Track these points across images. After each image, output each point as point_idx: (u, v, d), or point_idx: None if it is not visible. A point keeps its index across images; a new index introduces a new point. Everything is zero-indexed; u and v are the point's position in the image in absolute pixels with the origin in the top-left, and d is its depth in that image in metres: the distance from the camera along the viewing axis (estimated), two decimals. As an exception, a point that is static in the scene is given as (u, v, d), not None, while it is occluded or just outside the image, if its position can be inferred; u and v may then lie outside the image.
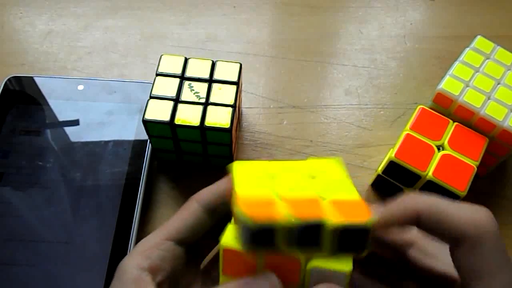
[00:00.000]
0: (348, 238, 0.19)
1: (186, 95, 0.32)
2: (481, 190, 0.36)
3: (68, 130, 0.36)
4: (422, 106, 0.33)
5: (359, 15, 0.46)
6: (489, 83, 0.33)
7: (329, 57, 0.43)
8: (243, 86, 0.40)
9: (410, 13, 0.46)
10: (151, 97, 0.32)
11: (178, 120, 0.31)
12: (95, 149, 0.35)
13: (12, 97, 0.37)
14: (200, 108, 0.32)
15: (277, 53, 0.43)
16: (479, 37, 0.35)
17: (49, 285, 0.30)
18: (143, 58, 0.42)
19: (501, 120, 0.31)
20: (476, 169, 0.31)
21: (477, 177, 0.30)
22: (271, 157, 0.37)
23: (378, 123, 0.40)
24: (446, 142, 0.32)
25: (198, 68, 0.33)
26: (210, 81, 0.33)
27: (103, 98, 0.37)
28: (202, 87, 0.33)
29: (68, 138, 0.36)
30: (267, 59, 0.43)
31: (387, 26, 0.45)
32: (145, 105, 0.32)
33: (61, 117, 0.36)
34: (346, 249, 0.20)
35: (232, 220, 0.23)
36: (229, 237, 0.21)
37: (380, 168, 0.33)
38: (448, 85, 0.33)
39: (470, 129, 0.32)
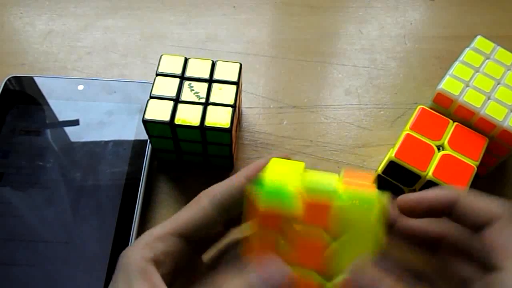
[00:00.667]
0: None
1: (186, 95, 0.32)
2: (481, 190, 0.36)
3: (68, 130, 0.36)
4: (422, 106, 0.33)
5: (359, 15, 0.46)
6: (489, 83, 0.33)
7: (329, 57, 0.43)
8: (243, 86, 0.40)
9: (410, 13, 0.46)
10: (151, 97, 0.32)
11: (178, 120, 0.31)
12: (95, 149, 0.35)
13: (12, 97, 0.37)
14: (200, 108, 0.32)
15: (277, 53, 0.43)
16: (479, 37, 0.35)
17: (49, 285, 0.30)
18: (143, 58, 0.42)
19: (501, 120, 0.31)
20: (476, 169, 0.31)
21: (477, 177, 0.30)
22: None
23: (378, 123, 0.40)
24: (446, 142, 0.32)
25: (198, 68, 0.33)
26: (210, 81, 0.33)
27: (103, 98, 0.37)
28: (202, 87, 0.33)
29: (68, 138, 0.36)
30: (267, 59, 0.43)
31: (387, 26, 0.45)
32: (145, 105, 0.32)
33: (61, 117, 0.36)
34: None
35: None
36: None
37: (380, 168, 0.33)
38: (448, 85, 0.33)
39: (470, 129, 0.32)
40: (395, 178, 0.33)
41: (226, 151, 0.34)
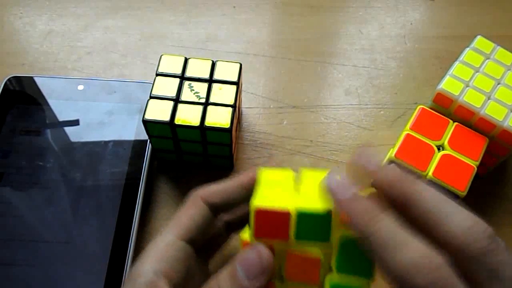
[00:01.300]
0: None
1: (186, 95, 0.32)
2: (481, 190, 0.36)
3: (68, 130, 0.36)
4: (422, 106, 0.33)
5: (359, 15, 0.46)
6: (489, 83, 0.33)
7: (329, 57, 0.43)
8: (243, 86, 0.40)
9: (410, 13, 0.46)
10: (151, 97, 0.32)
11: (178, 120, 0.31)
12: (95, 149, 0.35)
13: (12, 97, 0.37)
14: (200, 108, 0.32)
15: (277, 53, 0.43)
16: (479, 37, 0.35)
17: (49, 285, 0.30)
18: (143, 58, 0.42)
19: (501, 120, 0.31)
20: (476, 169, 0.31)
21: (477, 177, 0.30)
22: (271, 157, 0.37)
23: (378, 123, 0.40)
24: (446, 142, 0.32)
25: (198, 68, 0.33)
26: (210, 81, 0.33)
27: (103, 98, 0.37)
28: (202, 87, 0.33)
29: (68, 138, 0.36)
30: (267, 59, 0.43)
31: (387, 26, 0.45)
32: (145, 105, 0.32)
33: (61, 117, 0.36)
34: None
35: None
36: (261, 198, 0.22)
37: (380, 168, 0.33)
38: (448, 85, 0.33)
39: (470, 129, 0.32)
40: (395, 178, 0.33)
41: (226, 151, 0.34)
